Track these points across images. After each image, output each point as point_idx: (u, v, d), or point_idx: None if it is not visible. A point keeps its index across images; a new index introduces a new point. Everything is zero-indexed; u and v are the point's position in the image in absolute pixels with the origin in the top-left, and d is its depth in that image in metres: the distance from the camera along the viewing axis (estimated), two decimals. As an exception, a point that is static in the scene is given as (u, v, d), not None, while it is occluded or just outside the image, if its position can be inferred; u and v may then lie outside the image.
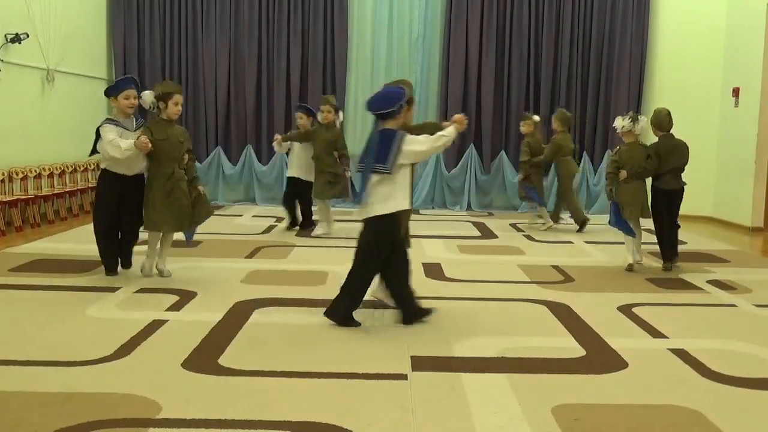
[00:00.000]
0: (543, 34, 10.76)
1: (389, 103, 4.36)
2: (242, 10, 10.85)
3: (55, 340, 4.08)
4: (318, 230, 7.94)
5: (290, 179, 8.20)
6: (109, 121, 5.55)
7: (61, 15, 9.30)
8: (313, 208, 8.13)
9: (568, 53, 10.76)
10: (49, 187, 8.89)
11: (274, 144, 8.25)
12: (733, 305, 5.26)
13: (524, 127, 8.78)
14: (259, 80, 10.96)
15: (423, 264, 6.47)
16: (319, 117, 7.87)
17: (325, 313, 4.48)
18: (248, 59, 10.90)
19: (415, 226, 8.95)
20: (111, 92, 5.65)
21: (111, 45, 10.92)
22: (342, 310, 4.43)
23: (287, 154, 8.60)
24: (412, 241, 7.80)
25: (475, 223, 9.22)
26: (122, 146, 5.32)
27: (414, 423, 3.04)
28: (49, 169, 8.96)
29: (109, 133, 5.40)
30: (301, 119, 8.18)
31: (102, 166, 5.62)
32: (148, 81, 10.92)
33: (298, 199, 8.15)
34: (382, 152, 4.29)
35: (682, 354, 4.05)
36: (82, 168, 9.78)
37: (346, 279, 4.47)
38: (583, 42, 10.80)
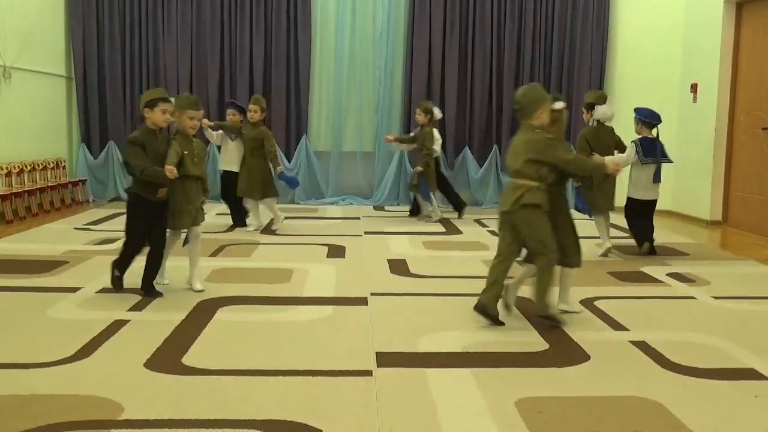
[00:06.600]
0: (505, 30, 10.82)
1: None
2: (204, 6, 10.72)
3: (14, 341, 4.00)
4: (250, 227, 8.20)
5: (224, 173, 8.34)
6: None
7: (18, 10, 9.12)
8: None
9: (530, 49, 10.84)
10: (7, 186, 8.73)
11: (205, 131, 8.20)
12: (693, 297, 5.36)
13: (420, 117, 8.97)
14: (222, 78, 10.84)
15: (388, 260, 6.49)
16: (248, 115, 8.06)
17: None
18: (210, 57, 10.76)
19: (380, 223, 9.06)
20: None
21: (70, 41, 10.72)
22: None
23: (219, 148, 8.83)
24: (377, 237, 7.94)
25: (439, 219, 9.25)
26: None
27: (379, 419, 3.04)
28: (7, 168, 8.78)
29: None
30: (234, 116, 8.22)
31: None
32: (108, 79, 10.76)
33: (230, 193, 8.26)
34: None
35: (642, 346, 4.12)
36: (41, 167, 9.62)
37: None
38: (544, 38, 10.88)
